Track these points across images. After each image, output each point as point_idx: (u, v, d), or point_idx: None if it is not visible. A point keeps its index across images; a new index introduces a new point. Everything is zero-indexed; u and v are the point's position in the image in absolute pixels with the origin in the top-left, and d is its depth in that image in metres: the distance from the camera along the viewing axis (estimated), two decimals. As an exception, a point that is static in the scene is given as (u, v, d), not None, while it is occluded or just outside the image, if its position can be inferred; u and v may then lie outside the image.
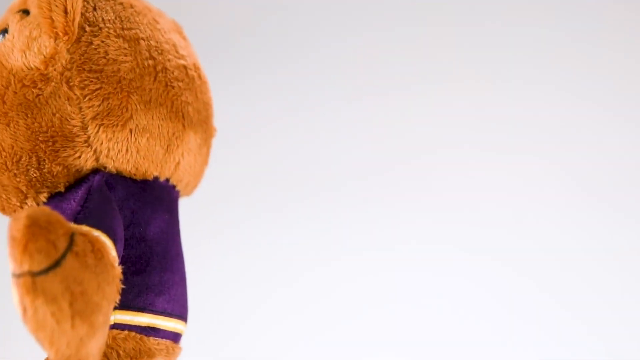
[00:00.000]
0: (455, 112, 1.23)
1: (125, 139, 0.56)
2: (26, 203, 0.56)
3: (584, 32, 1.21)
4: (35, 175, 0.55)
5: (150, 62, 0.57)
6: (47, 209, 0.45)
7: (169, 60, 0.58)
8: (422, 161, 1.22)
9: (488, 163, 1.21)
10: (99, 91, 0.55)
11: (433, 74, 1.26)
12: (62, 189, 0.56)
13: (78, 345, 0.44)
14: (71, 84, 0.55)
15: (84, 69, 0.55)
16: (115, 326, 0.54)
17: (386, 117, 1.26)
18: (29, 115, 0.55)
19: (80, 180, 0.55)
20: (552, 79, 1.20)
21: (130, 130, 0.56)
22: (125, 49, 0.56)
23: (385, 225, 1.21)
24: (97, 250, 0.47)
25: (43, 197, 0.56)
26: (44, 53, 0.55)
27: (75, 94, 0.55)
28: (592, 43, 1.21)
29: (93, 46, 0.56)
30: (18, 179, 0.55)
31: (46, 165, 0.55)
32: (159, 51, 0.58)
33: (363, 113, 1.26)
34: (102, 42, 0.56)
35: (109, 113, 0.55)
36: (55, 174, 0.55)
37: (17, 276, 0.43)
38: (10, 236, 0.44)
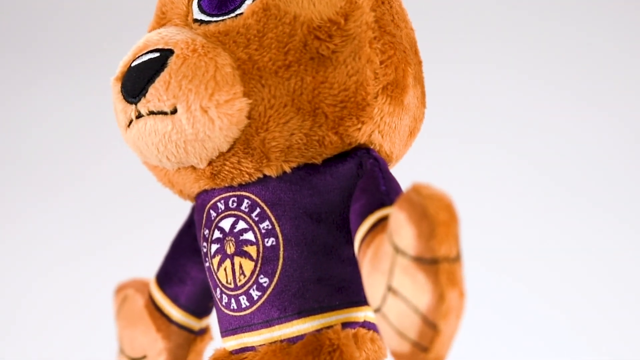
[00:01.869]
0: (437, 107, 1.22)
1: (398, 116, 0.51)
2: (261, 170, 0.49)
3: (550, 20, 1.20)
4: (299, 141, 0.48)
5: (413, 33, 0.53)
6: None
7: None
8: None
9: (472, 161, 1.20)
10: (392, 59, 0.49)
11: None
12: (318, 161, 0.49)
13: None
14: (374, 46, 0.48)
15: (386, 32, 0.50)
16: (365, 325, 0.50)
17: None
18: (320, 72, 0.47)
19: (343, 154, 0.50)
20: (542, 81, 1.20)
21: (403, 107, 0.51)
22: (403, 15, 0.52)
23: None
24: None
25: (287, 167, 0.49)
26: (339, 5, 0.48)
27: (376, 59, 0.49)
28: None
29: (390, 8, 0.50)
30: (274, 143, 0.49)
31: (320, 132, 0.48)
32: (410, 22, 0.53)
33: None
34: (392, 5, 0.51)
35: (396, 85, 0.50)
36: (326, 143, 0.48)
37: (431, 261, 0.39)
38: (431, 214, 0.39)
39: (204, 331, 0.59)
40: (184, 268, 0.57)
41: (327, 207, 0.49)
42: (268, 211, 0.50)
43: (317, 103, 0.48)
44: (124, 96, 0.49)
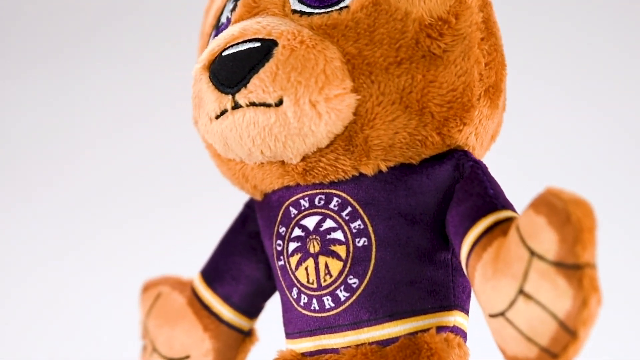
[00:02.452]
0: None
1: (492, 119, 0.50)
2: (357, 169, 0.48)
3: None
4: (402, 140, 0.47)
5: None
6: None
7: None
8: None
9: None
10: (495, 61, 0.49)
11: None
12: (416, 161, 0.48)
13: None
14: (481, 47, 0.48)
15: (491, 33, 0.49)
16: (453, 329, 0.49)
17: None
18: (430, 71, 0.47)
19: (439, 155, 0.49)
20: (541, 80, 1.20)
21: (496, 111, 0.50)
22: (494, 15, 0.51)
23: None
24: None
25: (384, 166, 0.48)
26: (449, 3, 0.47)
27: (482, 60, 0.48)
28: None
29: (491, 9, 0.50)
30: (377, 141, 0.47)
31: (424, 132, 0.47)
32: None
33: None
34: (492, 7, 0.50)
35: (495, 88, 0.49)
36: (427, 143, 0.48)
37: (573, 266, 0.38)
38: (576, 220, 0.38)
39: (251, 332, 0.57)
40: (238, 266, 0.56)
41: (421, 208, 0.48)
42: (360, 210, 0.48)
43: (425, 102, 0.47)
44: (215, 85, 0.46)
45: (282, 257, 0.51)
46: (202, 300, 0.56)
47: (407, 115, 0.47)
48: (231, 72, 0.46)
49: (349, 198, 0.48)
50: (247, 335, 0.57)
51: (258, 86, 0.45)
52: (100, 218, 1.15)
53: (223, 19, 0.52)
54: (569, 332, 0.39)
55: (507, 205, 0.46)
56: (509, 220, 0.44)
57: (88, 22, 1.22)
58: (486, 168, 0.48)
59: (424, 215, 0.48)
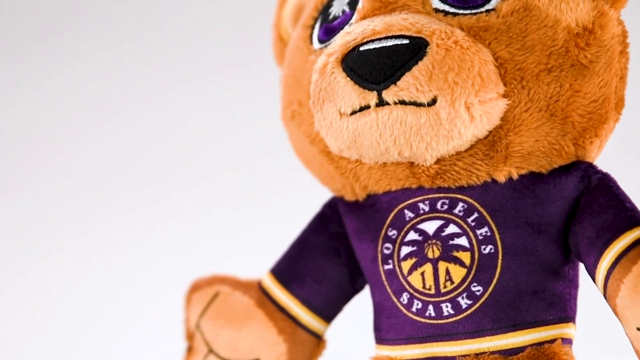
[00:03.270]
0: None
1: (612, 132, 0.50)
2: (490, 175, 0.47)
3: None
4: (540, 148, 0.47)
5: None
6: None
7: None
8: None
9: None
10: (625, 74, 0.49)
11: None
12: (545, 170, 0.48)
13: None
14: (620, 60, 0.48)
15: (626, 46, 0.49)
16: (570, 342, 0.49)
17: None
18: (577, 80, 0.46)
19: (566, 166, 0.48)
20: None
21: (616, 124, 0.50)
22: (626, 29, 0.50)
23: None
24: None
25: (515, 173, 0.47)
26: (593, 14, 0.47)
27: (619, 73, 0.48)
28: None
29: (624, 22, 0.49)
30: (518, 148, 0.46)
31: (562, 142, 0.47)
32: None
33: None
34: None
35: (622, 101, 0.50)
36: (562, 153, 0.47)
37: None
38: None
39: (323, 337, 0.55)
40: (319, 268, 0.54)
41: (547, 218, 0.48)
42: (488, 217, 0.48)
43: (568, 112, 0.47)
44: (356, 80, 0.45)
45: (390, 261, 0.49)
46: (277, 302, 0.54)
47: (550, 123, 0.46)
48: (377, 68, 0.44)
49: (475, 204, 0.48)
50: (321, 340, 0.55)
51: (411, 84, 0.44)
52: (89, 215, 1.11)
53: (336, 12, 0.51)
54: None
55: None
56: None
57: (64, 15, 1.17)
58: (615, 180, 0.49)
59: (549, 226, 0.48)
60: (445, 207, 0.48)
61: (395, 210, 0.49)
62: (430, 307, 0.48)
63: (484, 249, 0.47)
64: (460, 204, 0.48)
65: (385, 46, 0.44)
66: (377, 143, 0.46)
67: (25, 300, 1.09)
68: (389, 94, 0.44)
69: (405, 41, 0.44)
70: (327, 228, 0.54)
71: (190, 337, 0.56)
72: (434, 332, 0.48)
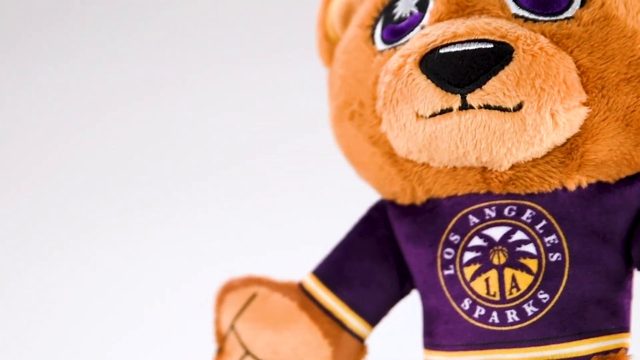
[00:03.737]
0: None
1: None
2: (562, 182, 0.47)
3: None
4: (613, 157, 0.47)
5: None
6: None
7: None
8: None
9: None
10: None
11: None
12: (613, 179, 0.48)
13: None
14: None
15: None
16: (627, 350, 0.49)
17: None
18: None
19: (631, 176, 0.48)
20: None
21: None
22: None
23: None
24: None
25: (585, 181, 0.47)
26: None
27: None
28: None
29: None
30: (593, 156, 0.46)
31: (634, 152, 0.47)
32: None
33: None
34: None
35: None
36: (632, 163, 0.48)
37: None
38: None
39: (366, 341, 0.55)
40: (368, 272, 0.53)
41: (611, 227, 0.48)
42: (556, 225, 0.48)
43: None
44: (437, 83, 0.44)
45: (451, 266, 0.49)
46: (323, 305, 0.53)
47: (625, 133, 0.47)
48: (462, 71, 0.44)
49: (544, 211, 0.48)
50: (363, 345, 0.54)
51: (498, 89, 0.43)
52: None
53: (402, 13, 0.50)
54: None
55: None
56: None
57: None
58: None
59: (613, 235, 0.48)
60: (513, 213, 0.48)
61: (459, 215, 0.49)
62: (495, 313, 0.48)
63: (552, 257, 0.47)
64: (529, 211, 0.48)
65: (469, 49, 0.44)
66: (455, 146, 0.45)
67: (25, 300, 1.08)
68: (474, 98, 0.44)
69: (489, 45, 0.44)
70: (374, 231, 0.54)
71: (221, 338, 0.55)
72: (497, 339, 0.48)
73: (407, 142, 0.47)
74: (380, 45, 0.50)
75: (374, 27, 0.51)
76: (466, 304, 0.49)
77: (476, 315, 0.48)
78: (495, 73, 0.43)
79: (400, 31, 0.49)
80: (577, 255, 0.48)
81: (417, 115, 0.45)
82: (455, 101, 0.44)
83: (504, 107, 0.44)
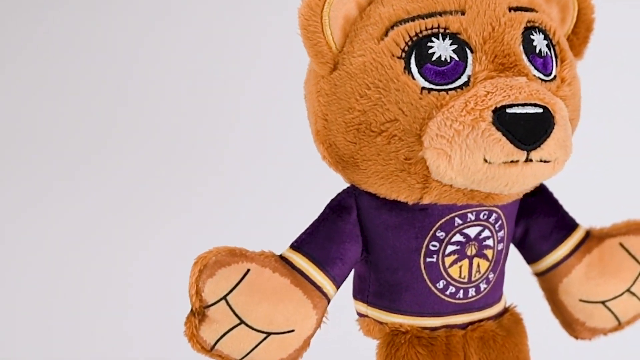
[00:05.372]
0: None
1: None
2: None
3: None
4: None
5: None
6: None
7: None
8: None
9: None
10: None
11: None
12: None
13: None
14: None
15: None
16: None
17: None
18: None
19: None
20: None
21: None
22: None
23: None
24: None
25: None
26: None
27: None
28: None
29: None
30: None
31: None
32: None
33: None
34: None
35: None
36: None
37: None
38: None
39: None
40: (347, 253, 0.62)
41: (514, 213, 0.66)
42: (505, 223, 0.64)
43: None
44: (511, 140, 0.54)
45: (434, 256, 0.62)
46: (315, 283, 0.61)
47: None
48: (530, 133, 0.55)
49: (501, 213, 0.63)
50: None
51: (551, 148, 0.56)
52: None
53: (442, 55, 0.56)
54: None
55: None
56: (589, 234, 0.68)
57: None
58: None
59: (514, 219, 0.66)
60: (485, 216, 0.62)
61: (447, 217, 0.61)
62: (461, 291, 0.63)
63: (499, 247, 0.64)
64: (494, 214, 0.62)
65: (530, 113, 0.55)
66: (505, 186, 0.57)
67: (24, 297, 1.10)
68: (535, 155, 0.55)
69: (540, 110, 0.55)
70: (350, 216, 0.62)
71: (202, 306, 0.58)
72: (457, 309, 0.63)
73: (457, 176, 0.56)
74: (422, 82, 0.56)
75: (406, 60, 0.56)
76: (441, 284, 0.62)
77: (447, 292, 0.63)
78: (549, 136, 0.55)
79: (444, 74, 0.56)
80: (508, 243, 0.65)
81: (485, 160, 0.55)
82: (521, 155, 0.55)
83: (548, 160, 0.56)
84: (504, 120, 0.54)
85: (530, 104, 0.55)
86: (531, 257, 0.69)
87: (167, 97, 1.31)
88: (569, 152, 0.57)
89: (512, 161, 0.55)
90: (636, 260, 0.68)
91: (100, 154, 1.31)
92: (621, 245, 0.68)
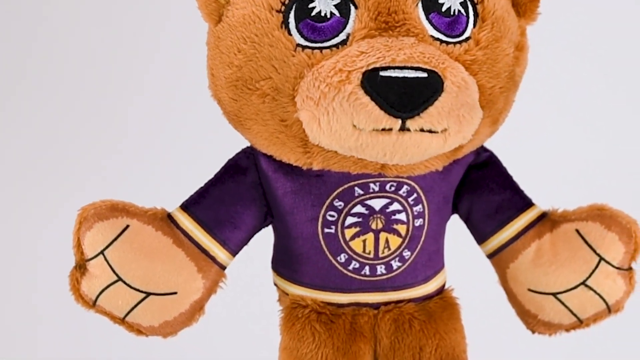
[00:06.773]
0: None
1: None
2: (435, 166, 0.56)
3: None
4: (476, 145, 0.56)
5: None
6: None
7: None
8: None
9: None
10: None
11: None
12: (463, 155, 0.57)
13: None
14: None
15: None
16: None
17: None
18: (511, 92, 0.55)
19: None
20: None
21: None
22: None
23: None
24: None
25: (449, 162, 0.57)
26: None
27: None
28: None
29: None
30: (466, 150, 0.55)
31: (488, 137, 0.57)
32: None
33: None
34: None
35: None
36: (481, 144, 0.58)
37: (627, 269, 0.58)
38: (636, 236, 0.58)
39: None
40: (239, 216, 0.58)
41: (452, 190, 0.59)
42: (423, 197, 0.57)
43: (503, 118, 0.57)
44: (381, 105, 0.48)
45: (332, 227, 0.56)
46: (201, 245, 0.58)
47: (489, 129, 0.55)
48: (405, 100, 0.48)
49: (416, 187, 0.56)
50: (223, 271, 0.60)
51: (433, 117, 0.49)
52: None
53: (322, 10, 0.51)
54: (609, 312, 0.59)
55: (532, 201, 0.60)
56: (544, 216, 0.59)
57: None
58: (500, 160, 0.61)
59: (451, 196, 0.59)
60: (393, 188, 0.56)
61: (346, 186, 0.55)
62: (367, 267, 0.57)
63: (417, 223, 0.57)
64: (405, 187, 0.56)
65: (409, 77, 0.48)
66: (382, 156, 0.50)
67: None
68: (412, 123, 0.48)
69: (424, 74, 0.48)
70: (245, 178, 0.58)
71: (84, 259, 0.57)
72: (364, 286, 0.58)
73: (332, 142, 0.50)
74: (299, 38, 0.51)
75: (285, 15, 0.52)
76: (342, 258, 0.57)
77: (350, 267, 0.57)
78: (431, 103, 0.48)
79: (322, 31, 0.51)
80: (432, 219, 0.58)
81: (354, 126, 0.49)
82: (395, 123, 0.48)
83: (433, 130, 0.49)
84: (374, 83, 0.48)
85: (411, 67, 0.48)
86: (477, 238, 0.62)
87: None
88: (468, 123, 0.50)
89: (383, 129, 0.48)
90: (592, 250, 0.58)
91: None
92: (577, 232, 0.58)
